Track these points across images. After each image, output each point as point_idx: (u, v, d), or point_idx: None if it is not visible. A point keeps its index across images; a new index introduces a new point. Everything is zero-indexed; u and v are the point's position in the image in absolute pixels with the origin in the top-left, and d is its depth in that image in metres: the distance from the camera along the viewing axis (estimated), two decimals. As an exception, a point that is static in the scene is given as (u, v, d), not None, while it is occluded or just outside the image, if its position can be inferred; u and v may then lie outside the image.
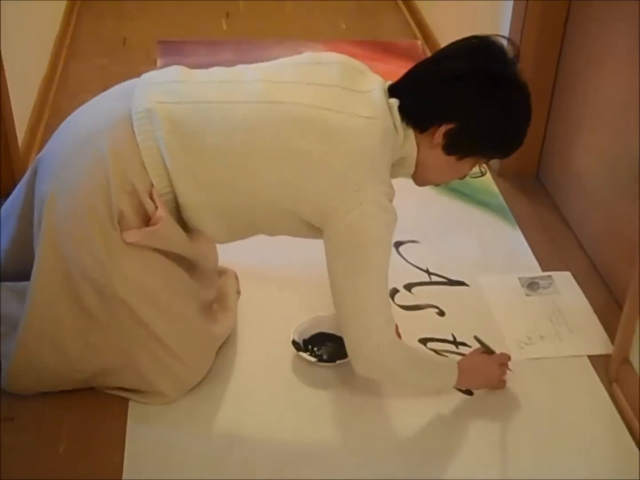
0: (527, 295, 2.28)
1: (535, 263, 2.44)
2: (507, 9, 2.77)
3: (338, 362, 1.97)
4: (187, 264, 1.86)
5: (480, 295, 2.28)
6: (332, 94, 1.71)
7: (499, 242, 2.54)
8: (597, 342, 2.14)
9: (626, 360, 1.96)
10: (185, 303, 1.86)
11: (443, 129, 1.69)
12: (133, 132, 1.69)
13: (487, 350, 1.95)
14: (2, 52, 2.56)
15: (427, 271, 2.38)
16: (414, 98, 1.72)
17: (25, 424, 1.81)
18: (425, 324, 2.18)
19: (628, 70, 2.26)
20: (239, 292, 2.20)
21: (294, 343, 2.00)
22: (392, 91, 1.75)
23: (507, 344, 2.10)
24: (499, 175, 2.86)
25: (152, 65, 3.63)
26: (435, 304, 2.25)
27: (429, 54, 3.79)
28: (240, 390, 1.94)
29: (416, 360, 1.83)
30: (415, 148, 1.75)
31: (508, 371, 1.96)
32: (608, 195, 2.39)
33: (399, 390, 1.94)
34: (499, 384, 1.95)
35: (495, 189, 2.80)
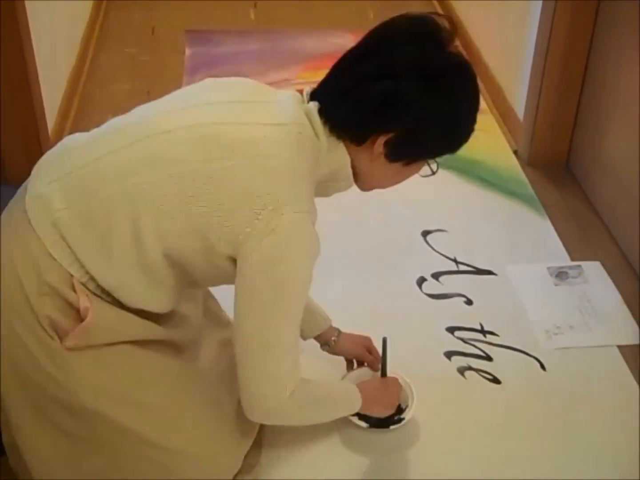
0: (556, 285, 2.26)
1: (564, 252, 2.42)
2: (537, 3, 2.75)
3: (392, 427, 1.81)
4: (160, 342, 1.62)
5: (508, 285, 2.27)
6: (231, 108, 1.49)
7: (527, 231, 2.52)
8: (627, 332, 2.12)
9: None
10: (178, 392, 1.61)
11: (382, 139, 1.44)
12: (31, 225, 1.47)
13: (383, 363, 1.84)
14: (33, 41, 2.59)
15: (454, 260, 2.37)
16: (342, 106, 1.45)
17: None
18: (453, 312, 2.17)
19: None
20: None
21: None
22: (315, 95, 1.51)
23: (536, 333, 2.07)
24: (528, 164, 2.85)
25: (181, 55, 3.65)
26: (463, 292, 2.24)
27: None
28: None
29: (318, 400, 1.64)
30: (348, 158, 1.49)
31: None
32: (638, 185, 2.37)
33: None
34: (394, 404, 1.81)
35: (524, 178, 2.78)
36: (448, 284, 2.28)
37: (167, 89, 3.50)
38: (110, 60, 3.60)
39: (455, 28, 1.43)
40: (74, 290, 1.47)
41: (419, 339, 2.09)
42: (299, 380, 1.53)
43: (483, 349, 2.07)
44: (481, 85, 3.31)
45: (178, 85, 3.33)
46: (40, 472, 1.57)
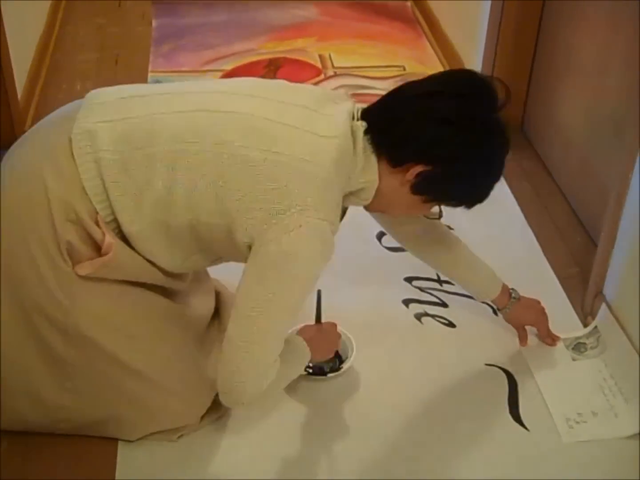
0: (574, 359, 2.00)
1: (518, 210, 2.53)
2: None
3: (329, 375, 1.89)
4: (160, 287, 1.71)
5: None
6: (291, 111, 1.56)
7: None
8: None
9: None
10: (166, 329, 1.71)
11: (419, 169, 1.53)
12: (73, 156, 1.54)
13: (317, 316, 1.85)
14: (2, 10, 2.63)
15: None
16: (392, 129, 1.54)
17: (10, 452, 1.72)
18: (411, 264, 2.21)
19: (604, 34, 2.37)
20: None
21: None
22: (366, 113, 1.59)
23: (556, 421, 1.83)
24: (484, 128, 2.94)
25: (148, 26, 3.71)
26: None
27: (418, 15, 3.87)
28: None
29: (278, 374, 1.60)
30: (377, 182, 1.57)
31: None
32: (586, 145, 2.49)
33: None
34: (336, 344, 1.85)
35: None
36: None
37: (134, 59, 3.57)
38: (79, 30, 3.66)
39: (510, 98, 1.55)
40: (97, 225, 1.56)
41: (378, 288, 2.19)
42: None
43: (439, 296, 2.18)
44: (440, 54, 3.48)
45: (145, 56, 3.42)
46: (12, 389, 1.64)
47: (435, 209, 1.69)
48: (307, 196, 1.48)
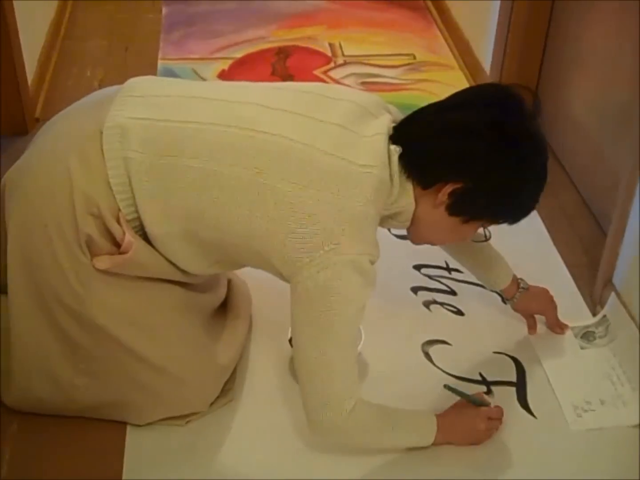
0: (582, 348, 2.00)
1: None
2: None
3: None
4: (176, 282, 1.70)
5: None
6: (329, 133, 1.50)
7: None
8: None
9: None
10: (179, 319, 1.70)
11: (449, 187, 1.48)
12: (102, 149, 1.52)
13: (467, 400, 1.74)
14: (12, -5, 2.64)
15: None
16: (419, 149, 1.50)
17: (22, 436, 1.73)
18: (420, 251, 2.21)
19: (613, 24, 2.36)
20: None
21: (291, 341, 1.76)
22: (395, 134, 1.53)
23: (564, 409, 1.83)
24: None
25: (158, 13, 3.71)
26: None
27: (429, 3, 3.86)
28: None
29: (384, 419, 1.61)
30: (413, 204, 1.53)
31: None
32: (597, 135, 2.48)
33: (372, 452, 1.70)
34: (483, 440, 1.72)
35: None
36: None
37: (144, 46, 3.57)
38: (89, 16, 3.66)
39: (540, 106, 1.50)
40: (118, 222, 1.54)
41: (387, 276, 2.17)
42: (359, 400, 1.54)
43: (448, 284, 2.18)
44: (451, 43, 3.47)
45: (155, 43, 3.42)
46: (25, 361, 1.65)
47: (481, 231, 1.63)
48: (341, 234, 1.44)
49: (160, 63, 3.29)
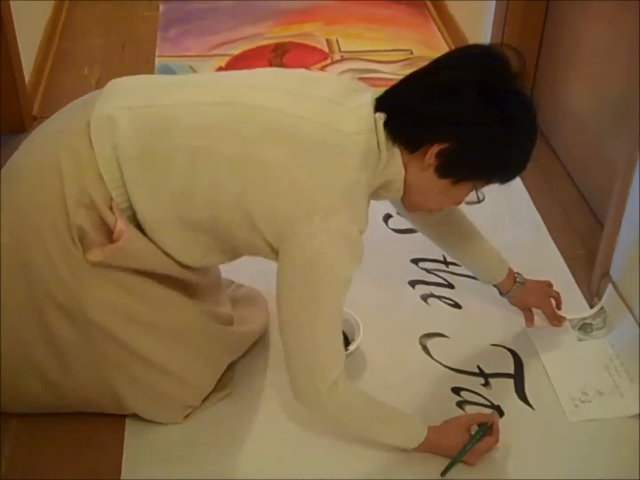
0: (580, 340, 2.00)
1: (524, 190, 2.53)
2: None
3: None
4: (174, 279, 1.67)
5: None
6: (316, 104, 1.51)
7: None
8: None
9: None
10: (172, 318, 1.66)
11: (436, 148, 1.47)
12: (90, 140, 1.52)
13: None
14: (9, -8, 2.65)
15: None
16: (402, 112, 1.49)
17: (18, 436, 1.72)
18: (417, 245, 2.23)
19: (610, 17, 2.37)
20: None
21: None
22: (379, 103, 1.53)
23: (562, 400, 1.83)
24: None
25: (155, 11, 3.71)
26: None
27: (427, 0, 3.86)
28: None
29: (373, 409, 1.61)
30: (403, 170, 1.52)
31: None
32: (593, 128, 2.48)
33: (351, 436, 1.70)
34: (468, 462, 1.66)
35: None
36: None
37: (141, 44, 3.58)
38: (86, 14, 3.67)
39: (525, 66, 1.48)
40: (111, 210, 1.53)
41: (385, 270, 2.20)
42: (342, 375, 1.54)
43: (445, 277, 2.18)
44: (448, 38, 3.47)
45: (152, 41, 3.43)
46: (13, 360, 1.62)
47: (473, 193, 1.60)
48: (331, 201, 1.45)
49: (157, 60, 3.30)
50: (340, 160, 1.46)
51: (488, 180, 1.56)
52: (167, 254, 1.60)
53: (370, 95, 1.55)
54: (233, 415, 1.77)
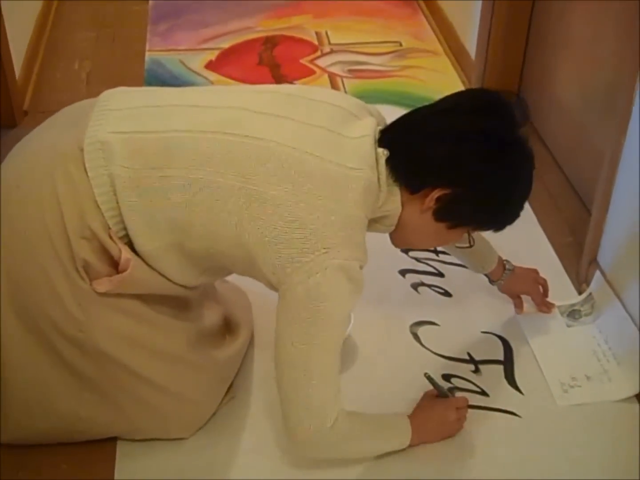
0: (569, 326, 2.03)
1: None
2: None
3: None
4: (173, 298, 1.66)
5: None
6: (315, 135, 1.48)
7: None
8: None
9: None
10: (178, 341, 1.66)
11: (437, 193, 1.47)
12: (84, 167, 1.47)
13: (440, 392, 1.74)
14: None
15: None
16: (407, 153, 1.49)
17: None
18: None
19: (596, 6, 2.38)
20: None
21: None
22: (383, 138, 1.51)
23: (551, 386, 1.86)
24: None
25: (145, 4, 3.72)
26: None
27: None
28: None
29: (363, 428, 1.61)
30: (400, 208, 1.52)
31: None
32: (580, 115, 2.51)
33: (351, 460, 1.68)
34: (456, 431, 1.73)
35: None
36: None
37: (131, 38, 3.57)
38: (76, 8, 3.67)
39: (528, 115, 1.48)
40: (111, 239, 1.50)
41: (375, 259, 2.17)
42: (341, 410, 1.52)
43: (435, 266, 2.20)
44: (436, 29, 3.48)
45: (142, 35, 3.43)
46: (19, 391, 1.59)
47: (465, 237, 1.63)
48: (332, 238, 1.42)
49: (147, 54, 3.31)
50: (342, 196, 1.44)
51: (484, 228, 1.61)
52: (165, 277, 1.59)
53: (370, 124, 1.53)
54: (232, 423, 1.76)
